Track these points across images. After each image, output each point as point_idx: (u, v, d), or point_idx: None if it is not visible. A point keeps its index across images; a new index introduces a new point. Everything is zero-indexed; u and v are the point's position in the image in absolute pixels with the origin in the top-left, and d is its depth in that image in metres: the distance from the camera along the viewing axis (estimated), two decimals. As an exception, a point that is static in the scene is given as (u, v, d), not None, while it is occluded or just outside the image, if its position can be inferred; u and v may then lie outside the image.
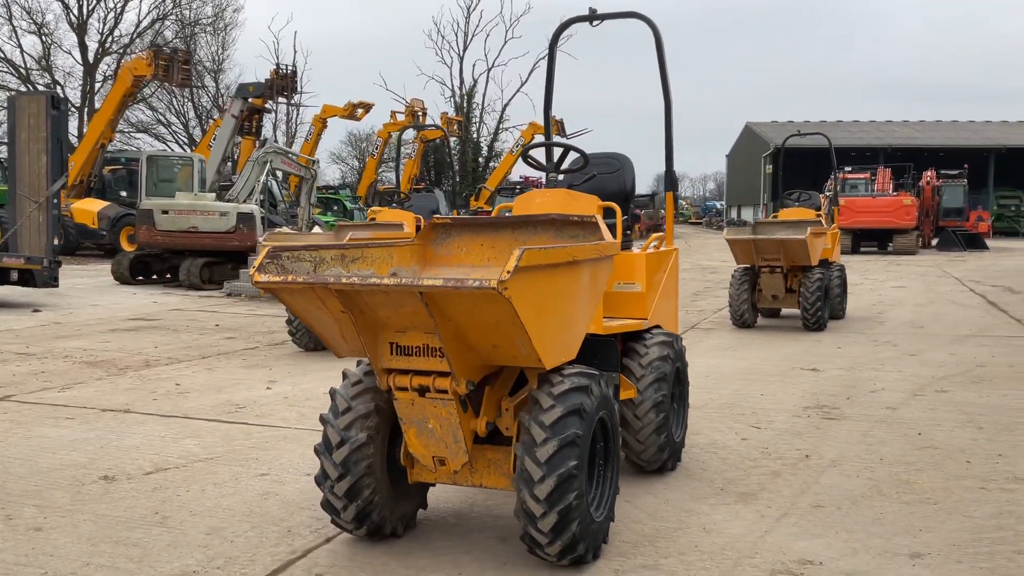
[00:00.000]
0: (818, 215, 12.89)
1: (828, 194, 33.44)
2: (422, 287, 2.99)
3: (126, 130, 41.86)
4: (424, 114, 33.93)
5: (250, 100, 25.98)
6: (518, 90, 48.58)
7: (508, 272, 2.90)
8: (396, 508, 3.84)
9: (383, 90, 68.36)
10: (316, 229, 19.42)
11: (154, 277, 17.86)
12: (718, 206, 73.97)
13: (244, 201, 17.85)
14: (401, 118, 33.38)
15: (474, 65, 57.63)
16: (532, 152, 5.23)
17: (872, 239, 31.36)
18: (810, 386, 7.41)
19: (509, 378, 3.73)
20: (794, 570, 3.56)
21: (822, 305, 10.80)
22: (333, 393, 3.75)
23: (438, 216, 4.35)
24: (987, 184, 47.91)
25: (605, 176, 5.27)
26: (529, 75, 54.81)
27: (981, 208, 40.31)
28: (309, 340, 9.31)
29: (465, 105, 46.27)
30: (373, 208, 31.89)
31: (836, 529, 4.01)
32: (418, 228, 10.10)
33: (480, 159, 45.96)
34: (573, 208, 4.63)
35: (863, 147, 46.99)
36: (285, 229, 17.73)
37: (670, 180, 5.44)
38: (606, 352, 4.19)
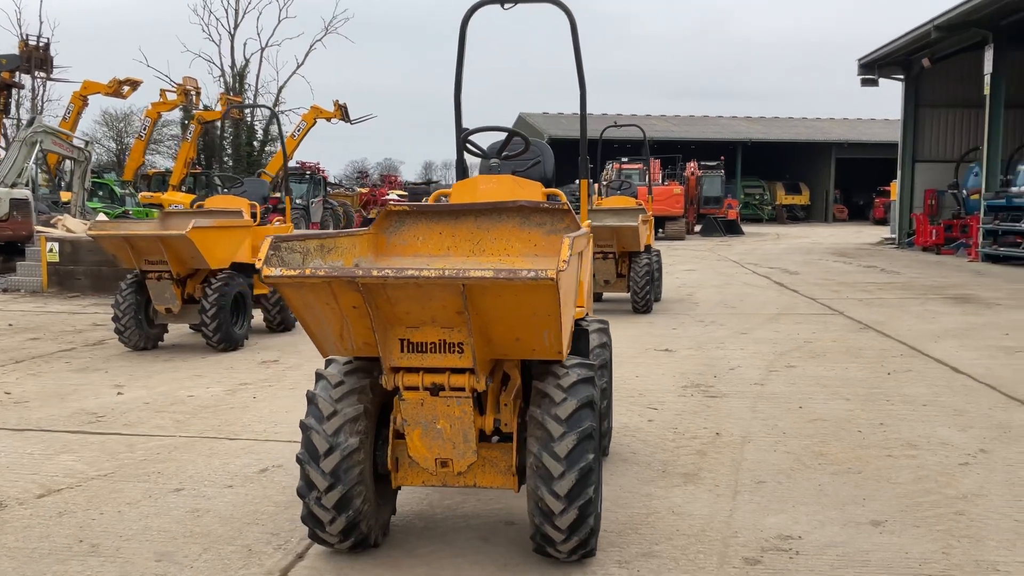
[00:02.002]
0: (638, 203, 13.44)
1: (604, 183, 35.06)
2: (468, 279, 2.80)
3: None
4: (198, 94, 32.01)
5: (1, 74, 23.44)
6: (294, 72, 46.80)
7: (565, 262, 2.79)
8: (379, 516, 3.59)
9: (144, 67, 63.24)
10: (101, 217, 17.83)
11: (-95, 272, 15.65)
12: (490, 193, 75.30)
13: (12, 185, 16.06)
14: (172, 97, 31.28)
15: (245, 44, 55.06)
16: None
17: (646, 225, 33.20)
18: (674, 366, 7.72)
19: (499, 373, 3.58)
20: (780, 546, 3.68)
21: (650, 289, 11.30)
22: (312, 396, 3.43)
23: (394, 203, 4.10)
24: (735, 175, 52.06)
25: (527, 164, 5.19)
26: (305, 57, 53.35)
27: (731, 196, 43.80)
28: (139, 338, 8.52)
29: (237, 86, 44.10)
30: (144, 193, 29.70)
31: (791, 503, 4.20)
32: (253, 215, 9.53)
33: (255, 143, 44.02)
34: (520, 195, 4.52)
35: (626, 139, 49.53)
36: (68, 217, 16.15)
37: (584, 168, 5.44)
38: (580, 341, 4.13)
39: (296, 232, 7.20)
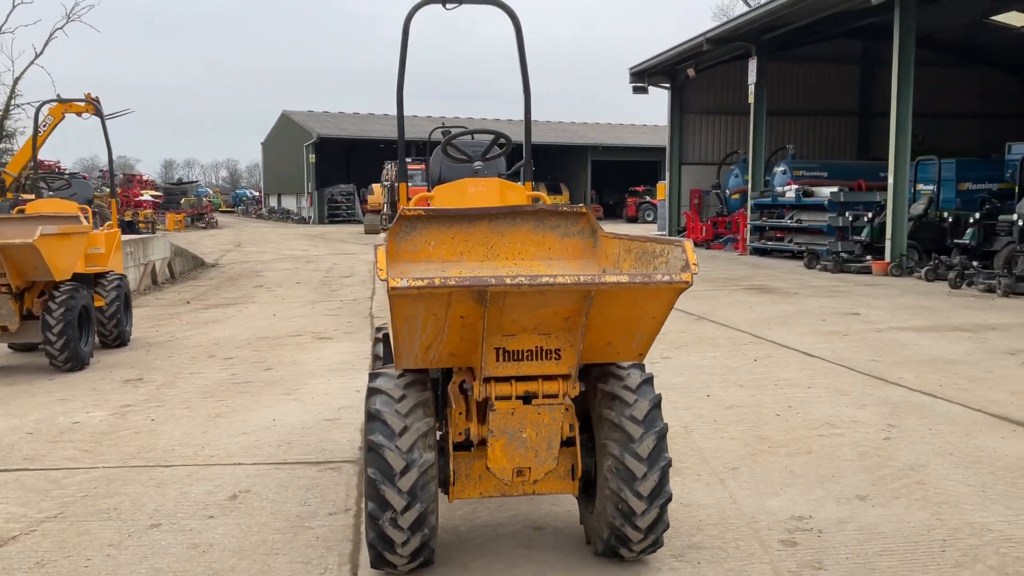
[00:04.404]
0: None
1: (386, 183, 34.83)
2: (602, 284, 2.78)
3: None
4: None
5: None
6: (32, 62, 42.33)
7: (696, 264, 2.84)
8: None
9: None
10: None
11: None
12: (249, 194, 72.70)
13: None
14: None
15: (-31, 30, 49.01)
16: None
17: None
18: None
19: None
20: (800, 527, 3.93)
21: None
22: (377, 412, 3.24)
23: (407, 208, 3.92)
24: (504, 175, 53.61)
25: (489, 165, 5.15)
26: (45, 46, 48.62)
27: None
28: (-34, 361, 7.51)
29: (-38, 76, 39.40)
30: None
31: (777, 486, 4.48)
32: (85, 217, 8.66)
33: (-13, 139, 39.49)
34: (509, 197, 4.49)
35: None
36: None
37: (528, 170, 5.47)
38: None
39: None
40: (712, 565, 3.53)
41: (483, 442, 3.37)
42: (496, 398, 3.12)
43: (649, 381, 3.46)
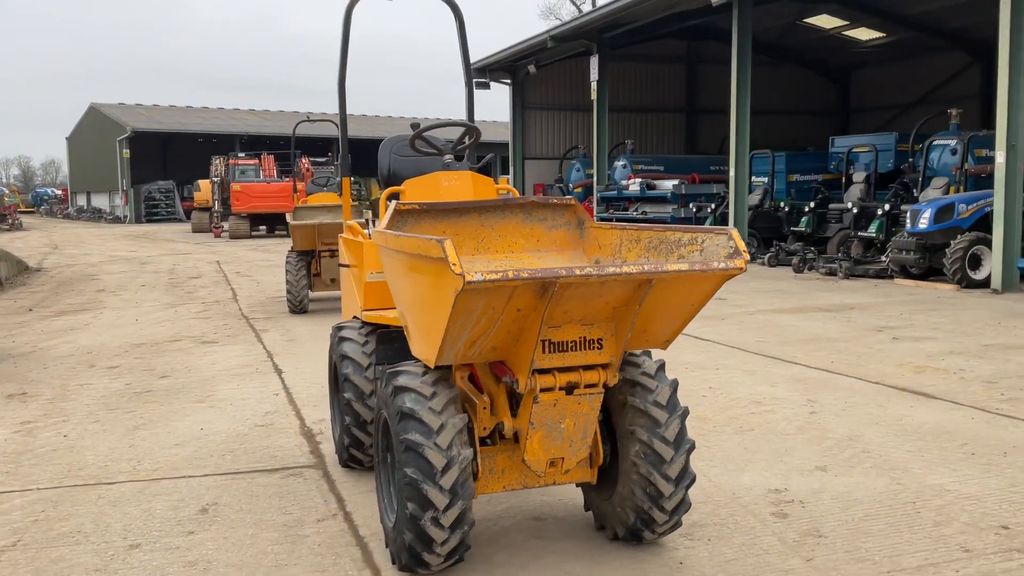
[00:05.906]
0: None
1: (215, 180, 33.39)
2: (667, 272, 2.84)
3: None
4: None
5: None
6: None
7: (745, 251, 2.95)
8: (466, 529, 3.42)
9: None
10: None
11: None
12: (51, 193, 67.69)
13: None
14: None
15: None
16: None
17: (264, 223, 32.28)
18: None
19: None
20: (784, 499, 4.15)
21: None
22: (411, 411, 3.16)
23: (402, 203, 3.81)
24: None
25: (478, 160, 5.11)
26: None
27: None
28: None
29: None
30: None
31: (741, 463, 4.70)
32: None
33: None
34: (483, 190, 4.46)
35: (220, 133, 47.68)
36: None
37: (474, 160, 5.44)
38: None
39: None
40: (723, 540, 3.68)
41: (513, 435, 3.37)
42: (540, 390, 3.12)
43: (663, 367, 3.56)
